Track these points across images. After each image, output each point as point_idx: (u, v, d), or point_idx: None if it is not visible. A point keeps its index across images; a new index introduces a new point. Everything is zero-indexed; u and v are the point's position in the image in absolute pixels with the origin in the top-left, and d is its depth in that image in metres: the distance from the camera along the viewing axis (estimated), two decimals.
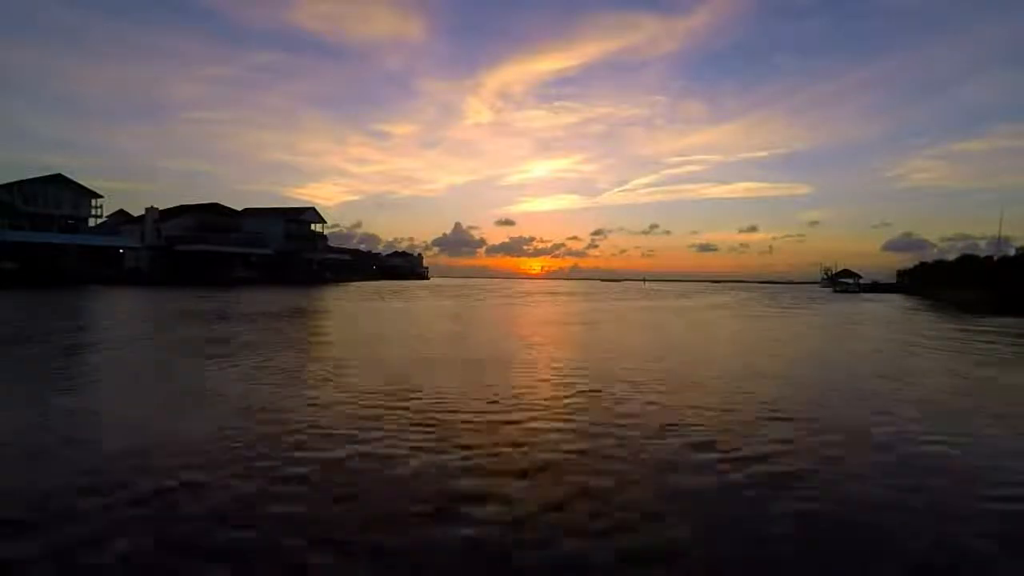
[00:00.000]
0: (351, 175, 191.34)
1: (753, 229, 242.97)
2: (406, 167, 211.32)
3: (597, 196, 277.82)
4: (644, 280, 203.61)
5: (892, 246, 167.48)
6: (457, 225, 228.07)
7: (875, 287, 71.68)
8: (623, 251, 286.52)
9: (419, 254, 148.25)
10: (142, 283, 47.59)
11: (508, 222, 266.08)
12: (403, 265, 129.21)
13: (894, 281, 75.89)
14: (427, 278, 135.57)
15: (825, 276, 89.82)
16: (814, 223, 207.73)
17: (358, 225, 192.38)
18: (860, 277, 74.46)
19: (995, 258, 51.93)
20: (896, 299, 48.01)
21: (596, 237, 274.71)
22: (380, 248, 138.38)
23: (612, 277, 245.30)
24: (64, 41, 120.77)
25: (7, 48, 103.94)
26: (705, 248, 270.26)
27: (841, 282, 73.36)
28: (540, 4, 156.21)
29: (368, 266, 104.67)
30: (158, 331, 14.16)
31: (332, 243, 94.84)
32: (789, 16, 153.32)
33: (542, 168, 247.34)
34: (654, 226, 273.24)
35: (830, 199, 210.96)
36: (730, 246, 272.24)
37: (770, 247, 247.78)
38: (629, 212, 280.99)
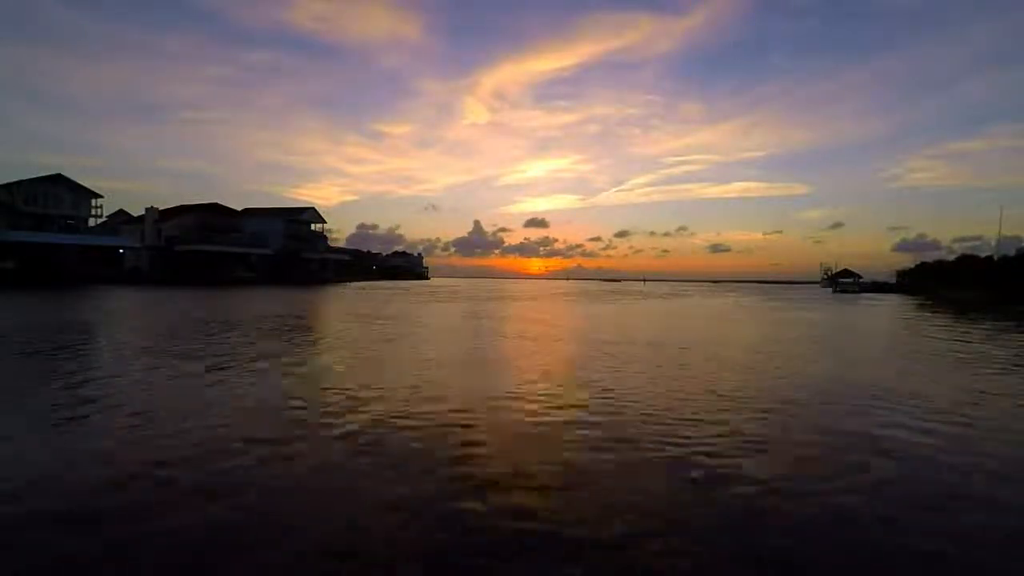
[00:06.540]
0: (348, 175, 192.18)
1: (779, 232, 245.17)
2: (403, 167, 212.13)
3: (595, 196, 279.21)
4: (644, 280, 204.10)
5: (903, 247, 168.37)
6: (476, 224, 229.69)
7: (875, 287, 72.14)
8: (638, 251, 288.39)
9: (419, 254, 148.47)
10: (142, 283, 47.62)
11: (542, 223, 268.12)
12: (403, 265, 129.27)
13: (894, 281, 76.28)
14: (427, 278, 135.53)
15: (825, 276, 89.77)
16: (837, 225, 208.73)
17: (397, 227, 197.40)
18: (860, 277, 74.64)
19: (995, 258, 51.89)
20: (895, 299, 48.01)
21: (617, 239, 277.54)
22: (401, 247, 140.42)
23: (614, 277, 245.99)
24: (64, 41, 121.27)
25: (7, 48, 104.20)
26: (716, 249, 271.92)
27: (841, 282, 73.47)
28: (537, 4, 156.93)
29: (368, 266, 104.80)
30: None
31: (350, 243, 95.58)
32: (787, 15, 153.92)
33: (539, 168, 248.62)
34: (682, 228, 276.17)
35: (832, 200, 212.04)
36: (744, 246, 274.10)
37: (780, 248, 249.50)
38: (639, 213, 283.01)
